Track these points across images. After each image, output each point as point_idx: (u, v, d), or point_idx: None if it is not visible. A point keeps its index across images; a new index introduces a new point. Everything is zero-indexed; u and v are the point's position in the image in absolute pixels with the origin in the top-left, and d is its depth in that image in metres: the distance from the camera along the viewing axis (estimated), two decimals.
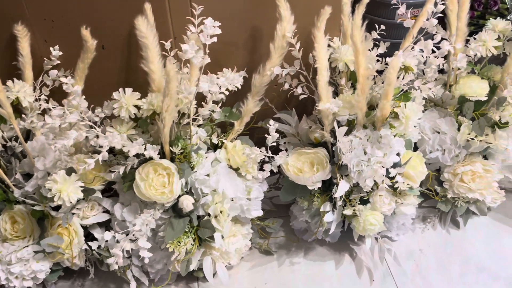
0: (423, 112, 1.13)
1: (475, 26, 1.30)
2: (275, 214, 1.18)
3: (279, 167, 1.01)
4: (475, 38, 1.02)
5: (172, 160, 0.92)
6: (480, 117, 1.03)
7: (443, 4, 0.87)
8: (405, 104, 0.91)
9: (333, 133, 1.04)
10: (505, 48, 1.06)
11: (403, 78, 1.00)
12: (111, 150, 0.87)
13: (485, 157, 1.12)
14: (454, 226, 1.17)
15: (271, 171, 1.00)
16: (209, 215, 0.94)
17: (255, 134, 1.08)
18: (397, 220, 1.08)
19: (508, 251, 1.10)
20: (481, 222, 1.17)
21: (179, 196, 0.92)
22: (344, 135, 1.00)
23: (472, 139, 1.04)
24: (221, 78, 0.90)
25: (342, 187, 0.97)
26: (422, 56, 0.92)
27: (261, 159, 0.99)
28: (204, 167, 0.95)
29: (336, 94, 1.06)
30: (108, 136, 0.79)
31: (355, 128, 1.00)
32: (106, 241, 0.89)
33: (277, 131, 1.06)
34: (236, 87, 0.98)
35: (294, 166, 1.00)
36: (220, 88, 0.92)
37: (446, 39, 0.95)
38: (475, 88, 1.02)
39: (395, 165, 0.97)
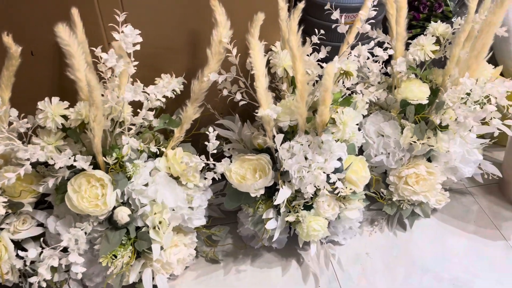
0: (368, 115, 1.14)
1: (421, 28, 1.31)
2: (224, 220, 1.16)
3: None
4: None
5: (107, 170, 0.89)
6: (421, 120, 1.04)
7: (374, 10, 0.87)
8: (342, 110, 0.91)
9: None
10: (446, 51, 1.06)
11: (343, 83, 0.99)
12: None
13: (429, 160, 1.13)
14: (401, 228, 1.18)
15: (220, 176, 0.98)
16: (147, 226, 0.92)
17: (200, 140, 1.06)
18: (343, 224, 1.08)
19: (452, 252, 1.11)
20: (427, 224, 1.18)
21: (115, 208, 0.89)
22: (286, 140, 0.99)
23: (415, 142, 1.05)
24: (151, 86, 0.86)
25: (283, 194, 0.96)
26: (359, 62, 0.92)
27: (206, 166, 0.97)
28: (142, 176, 0.92)
29: (279, 99, 1.05)
30: (29, 149, 0.75)
31: (297, 133, 0.99)
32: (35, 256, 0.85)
33: (222, 137, 1.05)
34: (175, 93, 0.96)
35: (237, 173, 0.98)
36: (156, 96, 0.89)
37: (383, 43, 0.94)
38: (416, 91, 1.02)
39: (336, 171, 0.97)
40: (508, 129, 1.02)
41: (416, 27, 1.32)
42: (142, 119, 0.86)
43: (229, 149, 1.05)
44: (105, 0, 0.87)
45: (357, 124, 0.96)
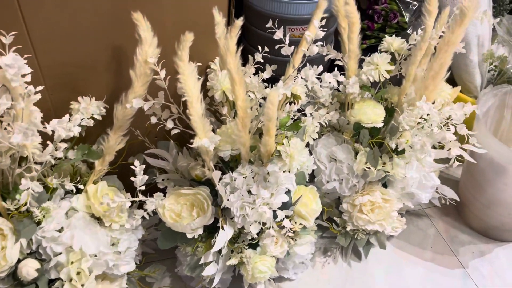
0: (319, 137, 1.04)
1: (376, 39, 1.23)
2: (160, 256, 1.03)
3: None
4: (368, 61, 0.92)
5: (10, 216, 0.74)
6: (375, 146, 0.95)
7: (323, 30, 0.76)
8: (288, 141, 0.80)
9: (219, 169, 0.91)
10: (401, 68, 0.98)
11: (291, 104, 0.89)
12: None
13: (384, 185, 1.05)
14: (356, 258, 1.09)
15: (152, 213, 0.85)
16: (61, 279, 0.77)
17: (130, 170, 0.92)
18: (293, 260, 0.97)
19: (408, 283, 1.04)
20: (383, 252, 1.10)
21: (20, 261, 0.74)
22: (228, 170, 0.87)
23: (369, 168, 0.95)
24: (54, 121, 0.71)
25: (223, 236, 0.84)
26: (306, 86, 0.81)
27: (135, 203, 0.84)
28: (55, 220, 0.78)
29: (220, 121, 0.93)
30: None
31: (240, 162, 0.87)
32: None
33: (154, 167, 0.92)
34: (94, 119, 0.82)
35: (171, 210, 0.85)
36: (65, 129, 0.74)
37: (336, 65, 0.84)
38: (370, 114, 0.93)
39: (284, 206, 0.86)
40: (466, 153, 0.95)
41: (370, 38, 1.23)
42: (49, 154, 0.71)
43: (163, 180, 0.92)
44: None
45: (307, 146, 0.85)
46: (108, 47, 0.82)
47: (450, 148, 0.81)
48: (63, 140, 0.77)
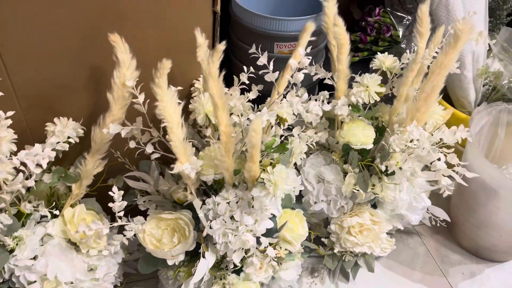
0: (308, 156, 1.01)
1: (368, 51, 1.19)
2: (142, 277, 1.00)
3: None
4: (357, 82, 0.89)
5: None
6: (364, 168, 0.92)
7: (308, 58, 0.72)
8: (272, 168, 0.76)
9: (202, 191, 0.88)
10: (393, 87, 0.95)
11: (279, 126, 0.85)
12: None
13: (374, 205, 1.02)
14: (343, 278, 1.06)
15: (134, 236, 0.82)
16: None
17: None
18: (278, 284, 0.95)
19: None
20: (371, 273, 1.07)
21: None
22: (212, 193, 0.84)
23: (358, 190, 0.93)
24: (22, 152, 0.68)
25: (203, 266, 0.81)
26: (292, 111, 0.78)
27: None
28: (29, 247, 0.75)
29: (203, 145, 0.90)
30: None
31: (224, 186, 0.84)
32: None
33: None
34: (70, 142, 0.78)
35: (152, 235, 0.82)
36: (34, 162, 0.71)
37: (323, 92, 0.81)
38: (360, 136, 0.90)
39: (268, 232, 0.83)
40: (457, 176, 0.93)
41: (363, 51, 1.19)
42: (20, 183, 0.68)
43: (144, 202, 0.89)
44: None
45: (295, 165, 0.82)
46: (85, 67, 0.79)
47: (439, 179, 0.78)
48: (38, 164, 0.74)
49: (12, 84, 0.76)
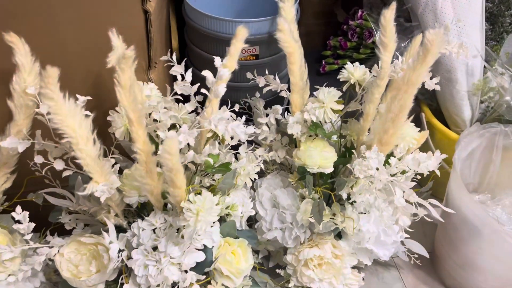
0: (264, 175, 0.89)
1: (349, 58, 1.06)
2: None
3: None
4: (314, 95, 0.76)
5: None
6: (321, 196, 0.79)
7: (227, 70, 0.60)
8: (195, 195, 0.65)
9: (135, 212, 0.78)
10: (362, 102, 0.82)
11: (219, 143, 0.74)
12: None
13: (339, 234, 0.90)
14: None
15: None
16: None
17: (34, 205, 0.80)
18: None
19: None
20: None
21: None
22: (142, 215, 0.74)
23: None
24: None
25: None
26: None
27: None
28: None
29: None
30: None
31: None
32: None
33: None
34: None
35: (69, 261, 0.73)
36: None
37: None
38: (316, 158, 0.78)
39: (199, 266, 0.72)
40: (432, 208, 0.80)
41: (343, 58, 1.06)
42: None
43: (70, 220, 0.79)
44: None
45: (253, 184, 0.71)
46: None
47: (397, 217, 0.66)
48: None
49: None
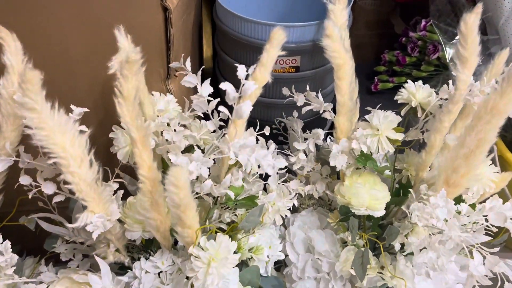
0: (300, 211, 0.75)
1: (407, 76, 0.90)
2: None
3: None
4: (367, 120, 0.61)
5: None
6: (368, 244, 0.64)
7: (254, 83, 0.47)
8: (208, 237, 0.52)
9: (135, 248, 0.66)
10: (425, 130, 0.66)
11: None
12: None
13: None
14: None
15: None
16: None
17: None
18: None
19: None
20: None
21: None
22: (145, 255, 0.61)
23: None
24: None
25: None
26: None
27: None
28: None
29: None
30: None
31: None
32: None
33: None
34: None
35: None
36: None
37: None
38: (365, 197, 0.62)
39: None
40: None
41: (400, 75, 0.91)
42: None
43: (66, 250, 0.68)
44: None
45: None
46: None
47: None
48: None
49: None
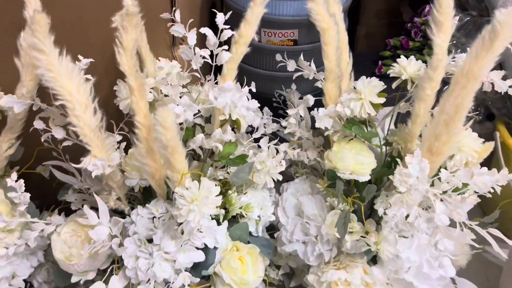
0: (293, 179, 0.79)
1: None
2: None
3: None
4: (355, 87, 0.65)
5: None
6: (351, 207, 0.67)
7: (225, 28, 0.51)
8: (189, 183, 0.56)
9: (136, 200, 0.72)
10: (412, 100, 0.69)
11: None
12: None
13: (374, 259, 0.76)
14: None
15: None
16: None
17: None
18: None
19: None
20: None
21: None
22: (140, 205, 0.67)
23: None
24: None
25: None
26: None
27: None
28: None
29: None
30: None
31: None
32: None
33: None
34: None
35: (65, 242, 0.68)
36: None
37: None
38: (350, 161, 0.66)
39: (197, 267, 0.63)
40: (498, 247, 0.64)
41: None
42: None
43: (76, 200, 0.74)
44: None
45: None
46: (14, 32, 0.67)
47: (436, 240, 0.51)
48: None
49: None
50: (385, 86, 0.64)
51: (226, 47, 0.51)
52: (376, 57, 1.04)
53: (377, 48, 1.06)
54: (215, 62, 0.54)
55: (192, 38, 0.54)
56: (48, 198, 0.76)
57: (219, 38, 0.52)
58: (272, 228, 0.81)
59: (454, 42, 0.82)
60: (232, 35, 0.53)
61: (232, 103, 0.54)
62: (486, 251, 0.73)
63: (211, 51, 0.53)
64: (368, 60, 1.02)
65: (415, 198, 0.54)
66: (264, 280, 0.76)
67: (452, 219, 0.59)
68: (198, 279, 0.63)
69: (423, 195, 0.54)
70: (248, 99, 0.56)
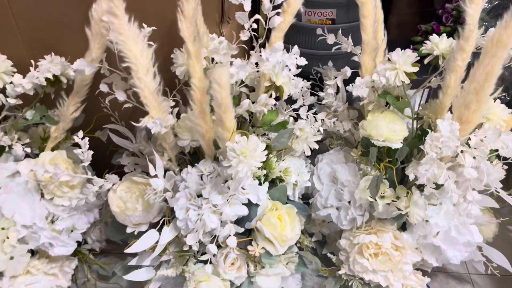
0: (326, 150, 0.84)
1: None
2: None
3: None
4: (389, 59, 0.70)
5: None
6: (383, 171, 0.72)
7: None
8: (237, 138, 0.63)
9: (185, 162, 0.79)
10: (444, 74, 0.73)
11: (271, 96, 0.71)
12: None
13: (403, 227, 0.80)
14: None
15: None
16: None
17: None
18: None
19: None
20: None
21: None
22: (189, 165, 0.73)
23: (375, 200, 0.73)
24: None
25: (165, 237, 0.70)
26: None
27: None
28: None
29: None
30: None
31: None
32: None
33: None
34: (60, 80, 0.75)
35: (120, 198, 0.75)
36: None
37: None
38: (383, 129, 0.71)
39: (241, 221, 0.69)
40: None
41: None
42: None
43: (129, 164, 0.82)
44: None
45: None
46: (81, 5, 0.75)
47: (466, 191, 0.56)
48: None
49: (13, 14, 0.75)
50: (418, 57, 0.69)
51: (279, 10, 0.58)
52: (406, 45, 1.08)
53: (408, 37, 1.10)
54: (268, 25, 0.60)
55: (247, 4, 0.60)
56: (98, 165, 0.82)
57: (272, 3, 0.58)
58: (307, 198, 0.87)
59: (484, 24, 0.86)
60: (282, 3, 0.60)
61: (281, 63, 0.60)
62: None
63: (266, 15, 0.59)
64: (399, 46, 1.07)
65: (446, 153, 0.59)
66: (298, 247, 0.81)
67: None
68: (242, 229, 0.68)
69: (454, 151, 0.59)
70: (296, 58, 0.62)
